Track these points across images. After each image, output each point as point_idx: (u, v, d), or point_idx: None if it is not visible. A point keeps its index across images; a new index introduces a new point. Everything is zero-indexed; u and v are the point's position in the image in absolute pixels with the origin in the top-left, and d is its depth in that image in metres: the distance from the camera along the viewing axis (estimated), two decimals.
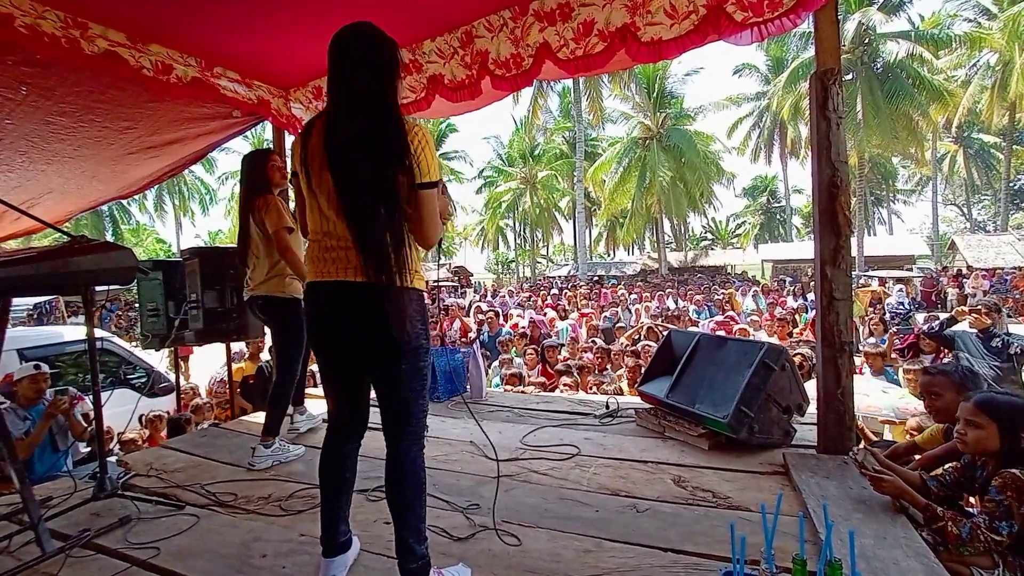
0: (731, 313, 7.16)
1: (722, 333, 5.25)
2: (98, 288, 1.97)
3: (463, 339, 6.02)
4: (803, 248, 23.66)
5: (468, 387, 3.42)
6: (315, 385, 3.68)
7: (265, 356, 4.71)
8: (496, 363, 4.88)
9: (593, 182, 24.89)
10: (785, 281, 16.22)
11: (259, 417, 3.05)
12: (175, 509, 1.92)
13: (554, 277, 28.39)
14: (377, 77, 1.30)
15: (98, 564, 1.59)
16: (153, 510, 1.92)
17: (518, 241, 38.23)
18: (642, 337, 5.11)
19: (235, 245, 2.51)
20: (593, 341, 4.96)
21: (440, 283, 21.86)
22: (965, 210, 34.59)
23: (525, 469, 2.15)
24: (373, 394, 1.45)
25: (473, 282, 26.61)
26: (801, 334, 6.05)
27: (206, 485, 2.11)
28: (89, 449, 3.27)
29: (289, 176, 1.49)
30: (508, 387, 4.09)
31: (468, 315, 7.88)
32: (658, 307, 8.79)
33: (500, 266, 44.84)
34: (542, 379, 3.82)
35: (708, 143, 24.46)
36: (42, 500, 1.97)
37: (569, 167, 29.68)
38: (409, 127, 1.29)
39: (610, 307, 8.81)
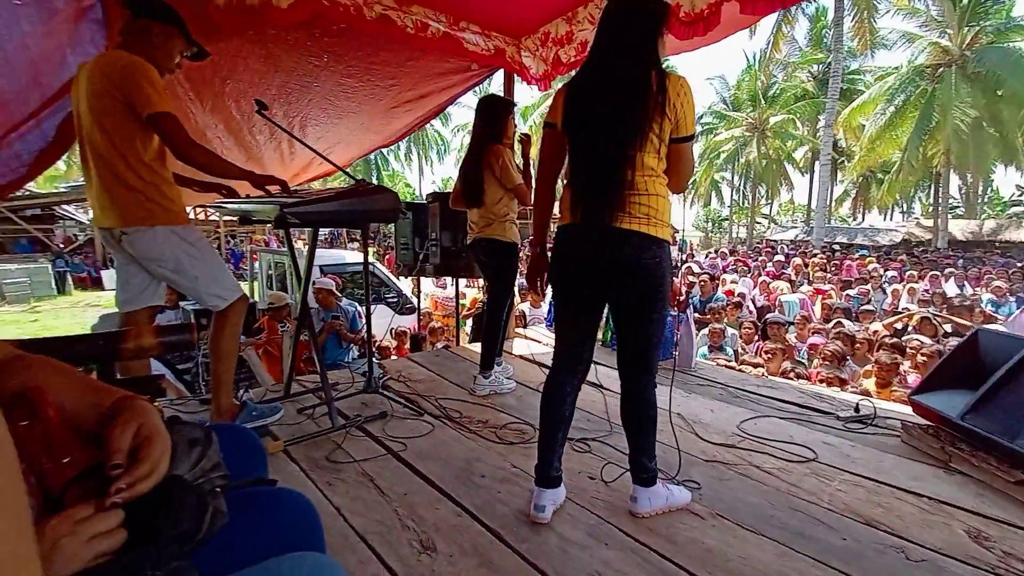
0: None
1: None
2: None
3: (672, 302, 5.66)
4: None
5: (676, 353, 3.20)
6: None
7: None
8: (705, 332, 4.48)
9: (847, 127, 20.07)
10: None
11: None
12: (416, 414, 2.29)
13: (777, 241, 24.62)
14: (639, 33, 1.37)
15: (365, 445, 1.99)
16: (401, 411, 2.32)
17: (735, 197, 33.96)
18: (910, 328, 4.00)
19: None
20: (840, 324, 4.06)
21: None
22: None
23: (744, 461, 1.90)
24: None
25: (678, 239, 24.90)
26: None
27: (439, 399, 2.45)
28: (359, 353, 4.17)
29: (543, 124, 1.58)
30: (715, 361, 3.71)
31: (676, 275, 7.39)
32: (930, 290, 6.81)
33: (711, 224, 40.87)
34: (760, 359, 3.32)
35: None
36: (332, 384, 2.56)
37: (813, 109, 24.49)
38: (672, 81, 1.33)
39: (858, 284, 7.17)
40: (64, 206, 14.81)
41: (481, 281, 5.92)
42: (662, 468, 1.64)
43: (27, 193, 12.91)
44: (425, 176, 38.62)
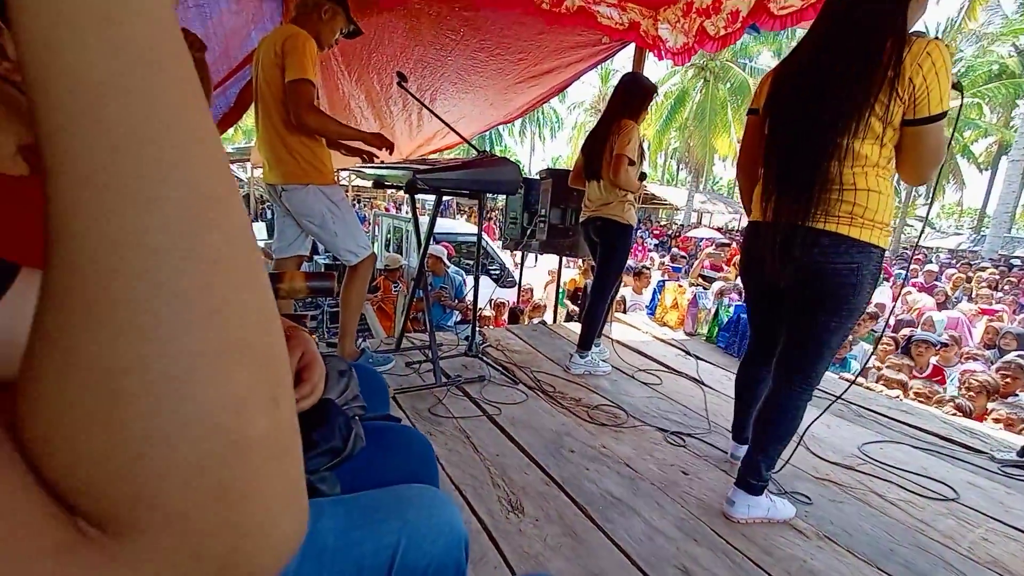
0: None
1: None
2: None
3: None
4: None
5: None
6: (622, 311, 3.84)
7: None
8: None
9: None
10: None
11: (575, 327, 3.42)
12: (512, 383, 2.38)
13: (931, 248, 21.09)
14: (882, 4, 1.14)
15: (463, 404, 2.12)
16: (498, 377, 2.42)
17: None
18: None
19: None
20: None
21: None
22: None
23: (863, 485, 1.72)
24: None
25: None
26: None
27: (534, 371, 2.52)
28: (459, 319, 4.40)
29: (748, 111, 1.49)
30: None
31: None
32: None
33: None
34: (904, 377, 2.90)
35: None
36: (438, 345, 2.74)
37: (1010, 92, 20.12)
38: (913, 51, 1.09)
39: None
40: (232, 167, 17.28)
41: (580, 261, 5.86)
42: (773, 478, 1.54)
43: None
44: (536, 153, 38.75)
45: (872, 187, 1.19)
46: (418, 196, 2.20)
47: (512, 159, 2.38)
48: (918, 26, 1.19)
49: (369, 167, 2.25)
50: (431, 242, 5.21)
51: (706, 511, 1.50)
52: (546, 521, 1.40)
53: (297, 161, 1.95)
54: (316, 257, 5.16)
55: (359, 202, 19.42)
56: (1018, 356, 3.41)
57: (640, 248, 13.07)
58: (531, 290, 4.98)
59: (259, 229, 14.05)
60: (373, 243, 7.81)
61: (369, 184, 2.40)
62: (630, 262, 3.87)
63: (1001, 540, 1.46)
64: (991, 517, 1.57)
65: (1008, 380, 2.96)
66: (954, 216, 35.23)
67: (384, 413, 0.88)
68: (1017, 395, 2.88)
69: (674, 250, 9.75)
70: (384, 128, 4.12)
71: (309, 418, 0.65)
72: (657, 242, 17.60)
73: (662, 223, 26.34)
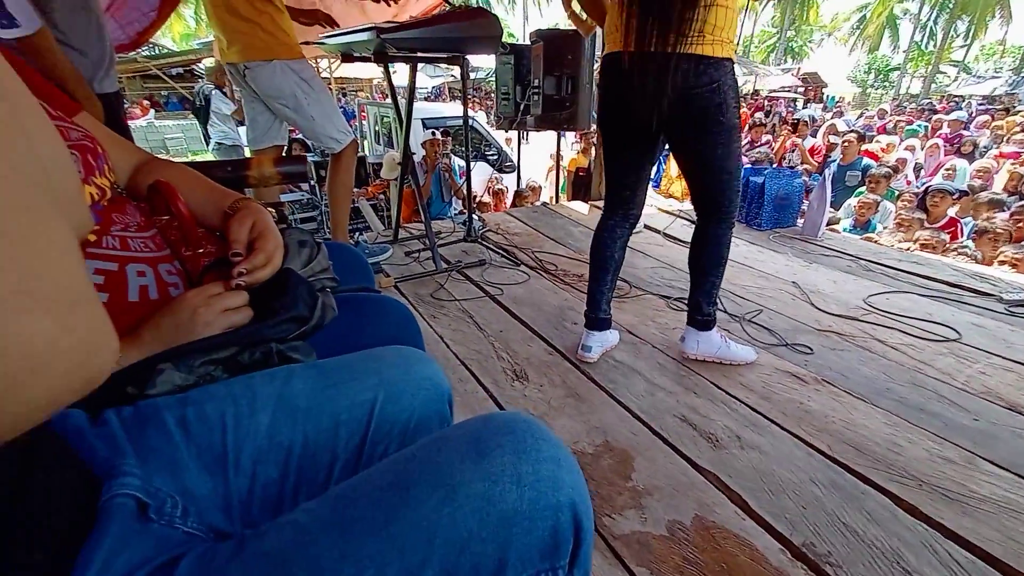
0: None
1: None
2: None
3: (805, 165, 4.91)
4: None
5: (802, 220, 2.85)
6: None
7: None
8: (853, 202, 3.88)
9: None
10: None
11: (577, 205, 3.31)
12: (513, 264, 2.35)
13: (963, 96, 19.52)
14: None
15: (465, 287, 2.12)
16: (499, 260, 2.39)
17: (916, 39, 26.46)
18: None
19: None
20: None
21: (777, 93, 17.88)
22: None
23: (865, 334, 1.73)
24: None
25: (825, 95, 20.76)
26: None
27: (536, 252, 2.48)
28: (460, 207, 4.27)
29: None
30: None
31: (816, 135, 6.26)
32: None
33: (872, 75, 33.08)
34: (923, 234, 2.80)
35: None
36: (436, 233, 2.68)
37: None
38: None
39: None
40: (200, 64, 15.96)
41: (578, 138, 5.51)
42: (775, 331, 1.55)
43: (167, 51, 13.98)
44: (531, 22, 34.93)
45: (719, 2, 1.13)
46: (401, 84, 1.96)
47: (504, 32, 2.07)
48: None
49: (334, 34, 2.00)
50: (419, 128, 4.89)
51: (707, 368, 1.53)
52: (550, 386, 1.44)
53: (256, 31, 1.73)
54: (308, 155, 4.91)
55: (344, 95, 18.17)
56: None
57: None
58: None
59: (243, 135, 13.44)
60: (363, 140, 7.43)
61: (350, 74, 2.14)
62: None
63: (998, 372, 1.48)
64: (992, 353, 1.59)
65: (1021, 225, 2.85)
66: (995, 57, 32.00)
67: (359, 285, 0.84)
68: None
69: None
70: None
71: (268, 288, 0.62)
72: None
73: None
